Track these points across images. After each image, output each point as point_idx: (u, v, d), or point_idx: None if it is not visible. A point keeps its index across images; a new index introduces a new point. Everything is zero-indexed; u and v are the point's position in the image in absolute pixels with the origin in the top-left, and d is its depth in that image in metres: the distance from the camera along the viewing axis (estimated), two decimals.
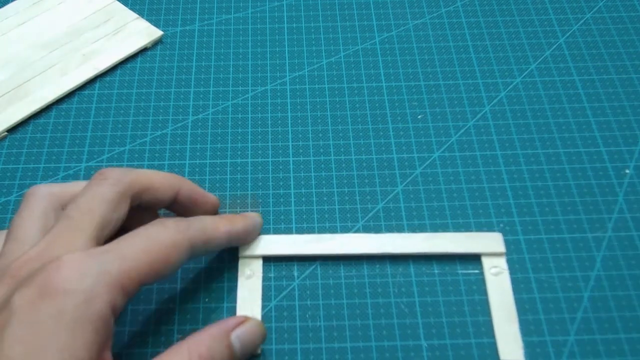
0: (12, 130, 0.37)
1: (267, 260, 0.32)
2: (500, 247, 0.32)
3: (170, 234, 0.25)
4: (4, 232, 0.26)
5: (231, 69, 0.41)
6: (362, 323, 0.30)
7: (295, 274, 0.32)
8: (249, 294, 0.30)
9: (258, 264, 0.31)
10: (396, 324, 0.30)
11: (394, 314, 0.30)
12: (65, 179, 0.35)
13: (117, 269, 0.22)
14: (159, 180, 0.28)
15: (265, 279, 0.31)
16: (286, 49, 0.42)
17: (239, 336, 0.26)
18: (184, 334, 0.29)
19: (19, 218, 0.26)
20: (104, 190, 0.25)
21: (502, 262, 0.31)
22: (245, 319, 0.27)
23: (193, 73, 0.40)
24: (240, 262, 0.31)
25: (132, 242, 0.24)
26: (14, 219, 0.26)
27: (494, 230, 0.33)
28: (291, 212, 0.34)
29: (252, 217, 0.31)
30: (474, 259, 0.31)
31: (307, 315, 0.30)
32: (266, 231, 0.33)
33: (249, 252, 0.31)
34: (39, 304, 0.21)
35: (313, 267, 0.32)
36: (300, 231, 0.33)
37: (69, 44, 0.41)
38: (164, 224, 0.25)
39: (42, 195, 0.26)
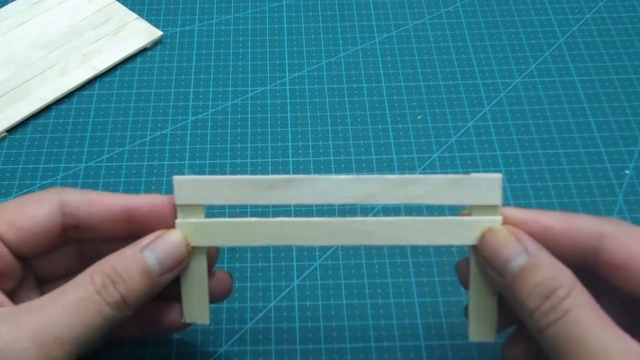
0: (11, 130, 0.37)
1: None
2: (495, 198, 0.23)
3: (32, 194, 0.24)
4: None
5: (231, 69, 0.41)
6: (361, 324, 0.30)
7: (295, 274, 0.32)
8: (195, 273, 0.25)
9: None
10: (395, 324, 0.30)
11: (394, 314, 0.30)
12: (65, 179, 0.35)
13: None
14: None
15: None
16: (286, 49, 0.42)
17: (154, 250, 0.23)
18: (183, 334, 0.29)
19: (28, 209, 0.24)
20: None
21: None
22: (163, 232, 0.24)
23: (193, 73, 0.40)
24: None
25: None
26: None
27: None
28: (290, 213, 0.34)
29: (158, 199, 0.25)
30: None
31: (307, 315, 0.30)
32: None
33: (186, 202, 0.24)
34: None
35: (312, 268, 0.32)
36: None
37: (69, 44, 0.41)
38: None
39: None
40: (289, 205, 0.33)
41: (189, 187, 0.24)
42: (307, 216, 0.25)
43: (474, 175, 0.23)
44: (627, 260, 0.22)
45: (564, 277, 0.21)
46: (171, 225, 0.24)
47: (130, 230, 0.24)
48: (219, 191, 0.24)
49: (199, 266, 0.25)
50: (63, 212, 0.24)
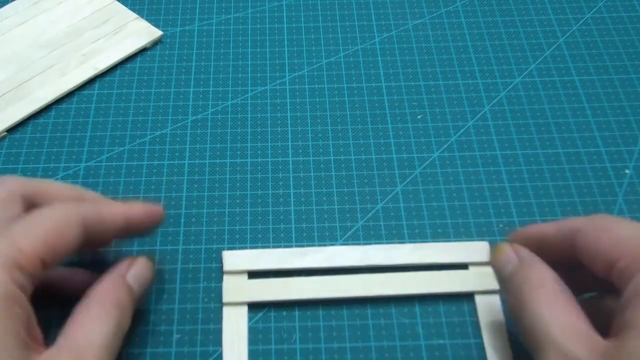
0: (11, 130, 0.37)
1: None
2: (485, 257, 0.31)
3: (60, 211, 0.25)
4: None
5: (231, 69, 0.41)
6: (361, 324, 0.30)
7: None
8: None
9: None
10: (395, 324, 0.30)
11: (394, 314, 0.30)
12: (65, 179, 0.35)
13: (10, 250, 0.23)
14: (56, 188, 0.28)
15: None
16: (286, 49, 0.42)
17: (134, 276, 0.27)
18: (183, 334, 0.29)
19: None
20: None
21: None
22: (134, 259, 0.28)
23: (192, 73, 0.40)
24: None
25: (24, 222, 0.24)
26: None
27: (493, 231, 0.33)
28: (290, 213, 0.34)
29: (152, 207, 0.29)
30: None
31: (307, 315, 0.30)
32: (266, 231, 0.33)
33: (232, 268, 0.31)
34: None
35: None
36: (299, 231, 0.33)
37: (69, 44, 0.41)
38: (53, 204, 0.26)
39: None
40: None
41: (235, 258, 0.31)
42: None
43: (467, 243, 0.32)
44: (591, 249, 0.24)
45: (535, 266, 0.25)
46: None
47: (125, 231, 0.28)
48: (262, 260, 0.31)
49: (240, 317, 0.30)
50: (84, 232, 0.26)
